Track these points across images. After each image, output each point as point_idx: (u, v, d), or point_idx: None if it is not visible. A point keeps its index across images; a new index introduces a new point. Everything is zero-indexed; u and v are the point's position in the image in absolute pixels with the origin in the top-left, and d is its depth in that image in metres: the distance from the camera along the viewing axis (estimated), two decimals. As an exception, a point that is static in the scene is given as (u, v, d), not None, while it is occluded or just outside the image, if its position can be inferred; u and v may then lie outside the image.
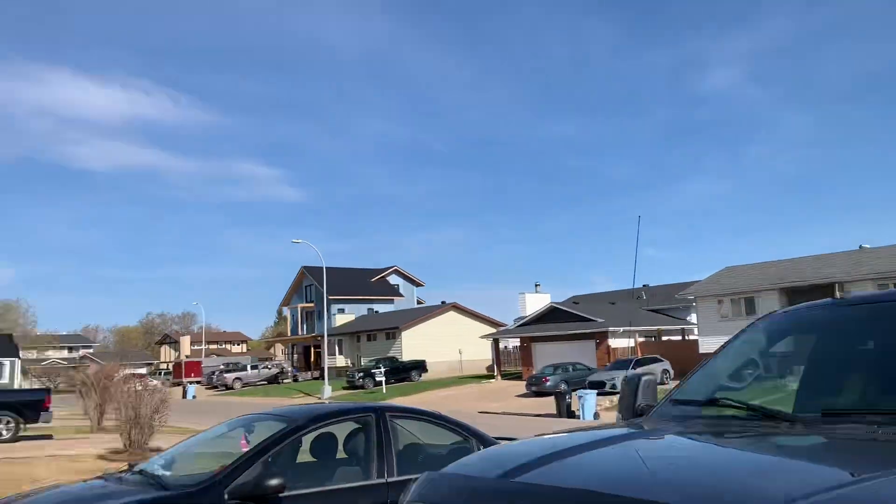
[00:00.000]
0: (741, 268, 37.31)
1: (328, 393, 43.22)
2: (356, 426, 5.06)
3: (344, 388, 46.37)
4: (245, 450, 4.90)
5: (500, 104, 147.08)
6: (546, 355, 41.27)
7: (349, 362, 58.09)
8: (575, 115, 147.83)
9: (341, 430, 5.08)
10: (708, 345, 34.61)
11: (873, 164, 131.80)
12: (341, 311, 63.64)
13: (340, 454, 5.21)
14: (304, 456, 5.03)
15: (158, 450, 16.43)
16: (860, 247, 34.15)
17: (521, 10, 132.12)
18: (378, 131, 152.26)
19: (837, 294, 27.44)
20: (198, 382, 63.35)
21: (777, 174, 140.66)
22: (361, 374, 46.38)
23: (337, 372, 56.80)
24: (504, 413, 29.49)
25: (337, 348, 58.98)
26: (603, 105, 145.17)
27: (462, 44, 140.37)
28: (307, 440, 4.91)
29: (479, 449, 5.26)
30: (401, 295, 68.36)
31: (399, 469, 4.70)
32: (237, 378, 59.60)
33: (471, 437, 5.31)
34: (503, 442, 5.87)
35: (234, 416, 5.50)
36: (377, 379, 43.53)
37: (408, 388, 43.35)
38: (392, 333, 53.92)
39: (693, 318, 43.05)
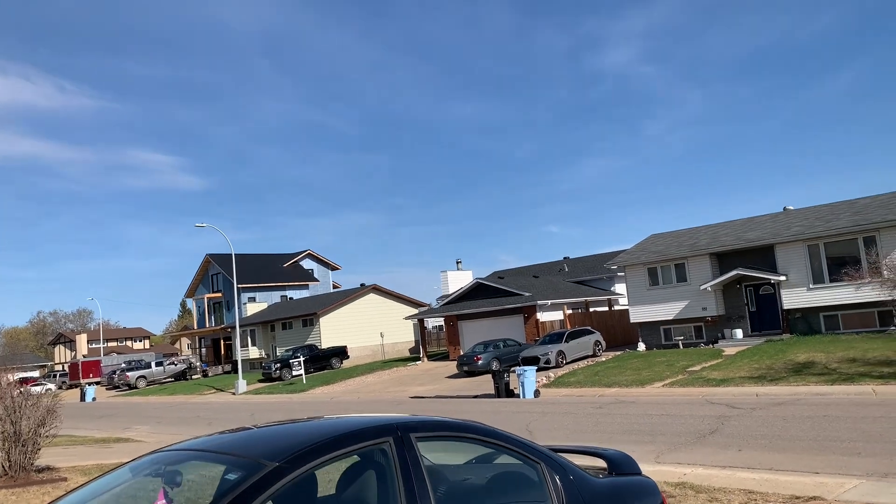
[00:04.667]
0: (668, 235, 36.63)
1: (243, 387, 40.33)
2: (358, 459, 2.98)
3: (260, 381, 43.53)
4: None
5: (403, 86, 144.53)
6: (474, 333, 39.79)
7: (263, 353, 54.93)
8: (477, 96, 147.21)
9: (334, 469, 2.99)
10: (639, 315, 33.86)
11: (754, 139, 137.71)
12: (252, 299, 60.22)
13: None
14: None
15: (49, 469, 13.83)
16: (784, 209, 34.14)
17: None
18: (279, 114, 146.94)
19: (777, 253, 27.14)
20: (97, 383, 58.98)
21: (674, 149, 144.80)
22: (278, 364, 43.59)
23: (251, 364, 53.71)
24: (437, 397, 27.78)
25: (249, 339, 55.62)
26: (504, 86, 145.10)
27: (363, 23, 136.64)
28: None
29: (551, 478, 3.30)
30: (316, 280, 65.42)
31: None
32: (141, 376, 55.64)
33: (538, 461, 3.30)
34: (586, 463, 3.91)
35: (147, 451, 3.26)
36: (295, 370, 40.81)
37: (330, 376, 40.94)
38: (309, 320, 51.13)
39: (618, 288, 42.47)
